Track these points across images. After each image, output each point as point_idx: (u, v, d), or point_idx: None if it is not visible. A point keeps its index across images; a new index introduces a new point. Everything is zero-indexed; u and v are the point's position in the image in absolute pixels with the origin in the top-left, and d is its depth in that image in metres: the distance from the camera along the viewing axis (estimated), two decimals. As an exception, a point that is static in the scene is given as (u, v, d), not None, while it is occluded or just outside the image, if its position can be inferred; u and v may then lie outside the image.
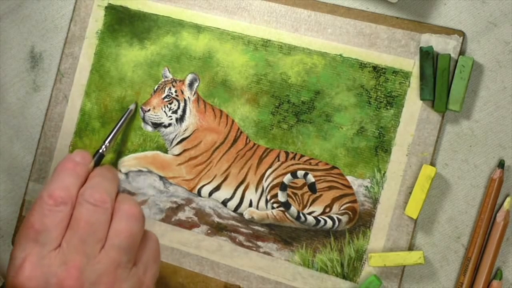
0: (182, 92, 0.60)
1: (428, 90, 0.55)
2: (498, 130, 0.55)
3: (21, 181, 0.64)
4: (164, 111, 0.61)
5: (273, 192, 0.58)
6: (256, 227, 0.58)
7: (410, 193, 0.55)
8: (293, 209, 0.57)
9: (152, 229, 0.60)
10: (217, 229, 0.59)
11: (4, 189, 0.64)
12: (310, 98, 0.58)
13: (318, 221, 0.57)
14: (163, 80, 0.61)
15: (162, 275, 0.60)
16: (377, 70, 0.57)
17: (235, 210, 0.59)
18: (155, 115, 0.61)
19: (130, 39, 0.62)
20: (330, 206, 0.57)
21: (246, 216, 0.59)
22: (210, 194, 0.60)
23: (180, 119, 0.60)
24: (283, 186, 0.58)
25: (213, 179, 0.60)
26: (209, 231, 0.59)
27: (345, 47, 0.57)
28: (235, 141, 0.59)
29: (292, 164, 0.58)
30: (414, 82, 0.56)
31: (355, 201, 0.57)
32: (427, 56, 0.55)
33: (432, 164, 0.56)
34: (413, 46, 0.56)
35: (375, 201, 0.56)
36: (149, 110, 0.61)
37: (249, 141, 0.59)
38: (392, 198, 0.56)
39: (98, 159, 0.57)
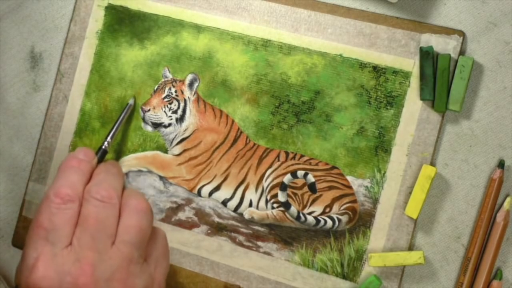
0: (182, 92, 0.60)
1: (428, 90, 0.55)
2: (498, 130, 0.55)
3: (21, 181, 0.64)
4: (164, 111, 0.61)
5: (273, 192, 0.58)
6: (256, 227, 0.58)
7: (410, 193, 0.55)
8: (293, 209, 0.58)
9: (152, 229, 0.60)
10: (217, 229, 0.59)
11: (4, 189, 0.64)
12: (310, 98, 0.58)
13: (318, 221, 0.57)
14: (163, 80, 0.61)
15: (162, 275, 0.60)
16: (377, 70, 0.57)
17: (235, 210, 0.59)
18: (155, 115, 0.61)
19: (130, 39, 0.62)
20: (330, 206, 0.57)
21: (246, 216, 0.59)
22: (210, 194, 0.60)
23: (180, 119, 0.60)
24: (283, 186, 0.58)
25: (213, 179, 0.60)
26: (209, 231, 0.59)
27: (345, 47, 0.57)
28: (235, 141, 0.59)
29: (292, 164, 0.58)
30: (414, 82, 0.56)
31: (355, 201, 0.57)
32: (427, 56, 0.55)
33: (432, 164, 0.56)
34: (413, 46, 0.56)
35: (375, 201, 0.56)
36: (149, 110, 0.61)
37: (249, 141, 0.59)
38: (392, 198, 0.56)
39: (102, 156, 0.57)
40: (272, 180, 0.58)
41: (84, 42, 0.63)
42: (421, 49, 0.55)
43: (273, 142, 0.58)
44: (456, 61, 0.55)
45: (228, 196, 0.59)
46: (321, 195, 0.57)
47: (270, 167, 0.58)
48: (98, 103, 0.62)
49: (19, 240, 0.63)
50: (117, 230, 0.48)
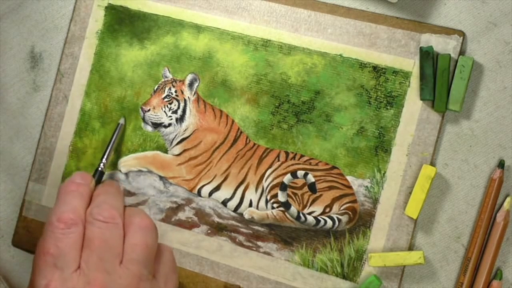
0: (182, 92, 0.60)
1: (428, 90, 0.55)
2: (498, 130, 0.55)
3: (21, 181, 0.64)
4: (164, 111, 0.61)
5: (273, 192, 0.58)
6: (256, 227, 0.58)
7: (410, 193, 0.55)
8: (293, 209, 0.58)
9: (152, 229, 0.60)
10: (217, 229, 0.59)
11: (4, 189, 0.64)
12: (310, 98, 0.58)
13: (318, 221, 0.57)
14: (163, 80, 0.61)
15: (162, 275, 0.60)
16: (377, 70, 0.57)
17: (235, 210, 0.59)
18: (155, 115, 0.61)
19: (130, 39, 0.62)
20: (330, 206, 0.57)
21: (246, 216, 0.59)
22: (210, 194, 0.60)
23: (180, 119, 0.60)
24: (283, 186, 0.58)
25: (213, 179, 0.60)
26: (209, 231, 0.59)
27: (345, 47, 0.57)
28: (235, 141, 0.59)
29: (292, 164, 0.58)
30: (414, 82, 0.56)
31: (355, 201, 0.57)
32: (427, 56, 0.55)
33: (432, 164, 0.56)
34: (413, 46, 0.56)
35: (375, 201, 0.56)
36: (149, 110, 0.61)
37: (249, 141, 0.59)
38: (392, 198, 0.56)
39: (99, 177, 0.57)
40: (272, 180, 0.58)
41: (84, 42, 0.63)
42: (421, 49, 0.55)
43: (273, 142, 0.58)
44: (456, 61, 0.55)
45: (228, 196, 0.59)
46: (321, 195, 0.57)
47: (270, 167, 0.58)
48: (98, 103, 0.62)
49: (19, 240, 0.63)
50: (123, 249, 0.48)
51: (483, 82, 0.55)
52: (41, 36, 0.64)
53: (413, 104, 0.56)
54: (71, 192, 0.50)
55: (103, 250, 0.48)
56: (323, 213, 0.57)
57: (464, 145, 0.56)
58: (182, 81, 0.60)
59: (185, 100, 0.60)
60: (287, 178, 0.58)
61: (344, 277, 0.56)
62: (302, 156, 0.58)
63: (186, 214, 0.60)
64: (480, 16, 0.56)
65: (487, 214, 0.54)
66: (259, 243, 0.58)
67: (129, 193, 0.61)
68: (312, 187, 0.57)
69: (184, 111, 0.60)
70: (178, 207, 0.60)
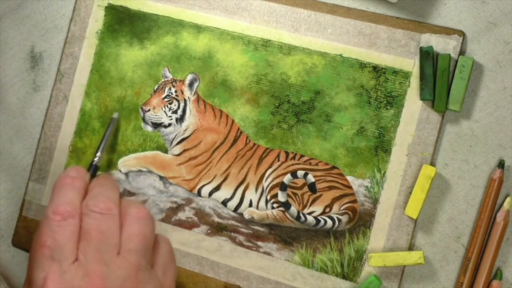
0: (182, 92, 0.60)
1: (428, 90, 0.55)
2: (498, 130, 0.55)
3: (21, 181, 0.64)
4: (164, 111, 0.61)
5: (273, 192, 0.58)
6: (256, 227, 0.58)
7: (410, 193, 0.55)
8: (293, 209, 0.58)
9: (152, 229, 0.60)
10: (217, 229, 0.59)
11: (4, 189, 0.64)
12: (310, 98, 0.58)
13: (318, 221, 0.57)
14: (163, 80, 0.61)
15: (162, 275, 0.60)
16: (377, 70, 0.57)
17: (235, 210, 0.59)
18: (155, 115, 0.61)
19: (130, 39, 0.62)
20: (330, 206, 0.57)
21: (246, 216, 0.59)
22: (210, 194, 0.60)
23: (180, 119, 0.60)
24: (283, 186, 0.58)
25: (213, 179, 0.60)
26: (209, 231, 0.59)
27: (345, 47, 0.57)
28: (235, 141, 0.59)
29: (292, 164, 0.58)
30: (414, 82, 0.56)
31: (355, 201, 0.57)
32: (427, 56, 0.55)
33: (432, 164, 0.56)
34: (413, 46, 0.56)
35: (375, 201, 0.56)
36: (149, 110, 0.61)
37: (249, 141, 0.59)
38: (392, 198, 0.56)
39: (94, 171, 0.58)
40: (272, 180, 0.58)
41: (84, 42, 0.63)
42: (421, 49, 0.55)
43: (273, 142, 0.58)
44: (456, 61, 0.55)
45: (228, 196, 0.59)
46: (321, 195, 0.57)
47: (270, 167, 0.58)
48: (98, 103, 0.62)
49: (19, 240, 0.63)
50: (121, 240, 0.48)
51: (483, 82, 0.55)
52: (41, 36, 0.64)
53: (413, 104, 0.56)
54: (66, 185, 0.50)
55: (101, 241, 0.47)
56: (323, 213, 0.57)
57: (464, 145, 0.56)
58: (182, 81, 0.60)
59: (185, 100, 0.60)
60: (287, 178, 0.58)
61: (344, 277, 0.56)
62: (302, 156, 0.58)
63: (186, 214, 0.60)
64: (480, 16, 0.56)
65: (487, 214, 0.54)
66: (259, 243, 0.58)
67: (129, 193, 0.61)
68: (312, 187, 0.57)
69: (184, 111, 0.60)
70: (178, 207, 0.60)
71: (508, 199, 0.54)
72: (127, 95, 0.62)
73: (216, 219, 0.59)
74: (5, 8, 0.65)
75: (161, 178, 0.61)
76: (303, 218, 0.57)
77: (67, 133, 0.63)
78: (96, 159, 0.58)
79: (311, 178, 0.57)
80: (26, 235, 0.62)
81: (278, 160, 0.58)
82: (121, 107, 0.62)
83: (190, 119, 0.60)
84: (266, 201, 0.58)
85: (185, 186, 0.60)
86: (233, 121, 0.59)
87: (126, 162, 0.61)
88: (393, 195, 0.56)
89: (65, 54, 0.63)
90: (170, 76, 0.61)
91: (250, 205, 0.59)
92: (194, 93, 0.60)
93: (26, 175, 0.64)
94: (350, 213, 0.57)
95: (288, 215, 0.58)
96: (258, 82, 0.59)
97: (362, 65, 0.57)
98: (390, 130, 0.56)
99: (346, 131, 0.57)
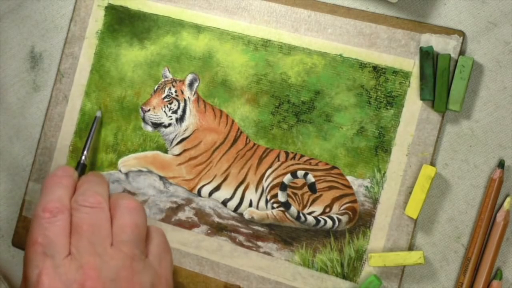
0: (182, 92, 0.60)
1: (428, 90, 0.55)
2: (498, 130, 0.55)
3: (21, 181, 0.64)
4: (164, 111, 0.61)
5: (273, 192, 0.58)
6: (256, 227, 0.58)
7: (410, 193, 0.55)
8: (293, 209, 0.58)
9: (152, 229, 0.60)
10: (217, 229, 0.59)
11: (4, 189, 0.64)
12: (310, 98, 0.58)
13: (318, 221, 0.57)
14: (163, 80, 0.61)
15: (162, 275, 0.60)
16: (377, 70, 0.57)
17: (235, 210, 0.59)
18: (155, 115, 0.61)
19: (130, 39, 0.62)
20: (330, 206, 0.57)
21: (246, 216, 0.59)
22: (210, 194, 0.60)
23: (180, 119, 0.60)
24: (283, 186, 0.58)
25: (213, 179, 0.60)
26: (209, 231, 0.59)
27: (345, 47, 0.57)
28: (235, 141, 0.59)
29: (292, 164, 0.58)
30: (414, 82, 0.56)
31: (355, 201, 0.57)
32: (427, 56, 0.55)
33: (432, 164, 0.56)
34: (413, 46, 0.56)
35: (375, 201, 0.56)
36: (149, 110, 0.61)
37: (249, 141, 0.59)
38: (392, 198, 0.56)
39: (81, 170, 0.58)
40: (272, 180, 0.58)
41: (84, 42, 0.63)
42: (421, 49, 0.55)
43: (273, 142, 0.58)
44: (456, 61, 0.55)
45: (228, 196, 0.59)
46: (321, 195, 0.57)
47: (270, 167, 0.58)
48: (98, 103, 0.62)
49: (19, 240, 0.63)
50: (113, 231, 0.48)
51: (483, 82, 0.55)
52: (41, 36, 0.64)
53: (413, 104, 0.56)
54: (54, 184, 0.51)
55: (92, 233, 0.48)
56: (323, 213, 0.57)
57: (464, 145, 0.56)
58: (182, 81, 0.60)
59: (185, 100, 0.60)
60: (287, 178, 0.58)
61: (344, 277, 0.56)
62: (302, 156, 0.58)
63: (186, 214, 0.60)
64: (480, 16, 0.56)
65: (487, 214, 0.54)
66: (259, 243, 0.58)
67: (129, 193, 0.61)
68: (312, 187, 0.57)
69: (184, 111, 0.60)
70: (178, 207, 0.60)
71: (508, 199, 0.54)
72: (127, 95, 0.62)
73: (216, 219, 0.59)
74: (5, 8, 0.65)
75: (161, 178, 0.61)
76: (303, 218, 0.57)
77: (67, 133, 0.63)
78: (83, 157, 0.59)
79: (311, 178, 0.57)
80: (26, 235, 0.62)
81: (278, 160, 0.58)
82: (121, 107, 0.62)
83: (190, 119, 0.60)
84: (266, 201, 0.58)
85: (185, 186, 0.60)
86: (233, 121, 0.59)
87: (126, 162, 0.61)
88: (393, 195, 0.56)
89: (65, 54, 0.63)
90: (170, 76, 0.61)
91: (250, 205, 0.59)
92: (194, 93, 0.60)
93: (26, 175, 0.64)
94: (350, 213, 0.57)
95: (288, 215, 0.58)
96: (258, 82, 0.59)
97: (362, 65, 0.57)
98: (390, 130, 0.56)
99: (346, 131, 0.57)
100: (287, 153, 0.58)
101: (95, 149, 0.62)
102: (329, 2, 0.58)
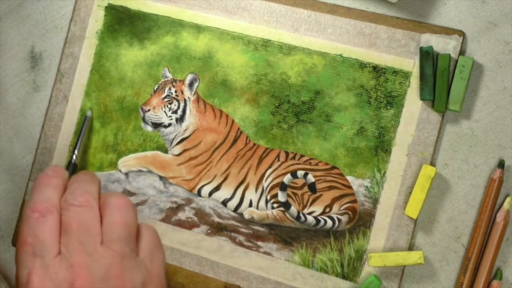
0: (182, 92, 0.60)
1: (428, 90, 0.55)
2: (498, 130, 0.55)
3: (21, 181, 0.64)
4: (164, 111, 0.61)
5: (273, 192, 0.58)
6: (256, 227, 0.58)
7: (410, 193, 0.55)
8: (293, 209, 0.58)
9: (152, 229, 0.60)
10: (217, 229, 0.59)
11: (4, 189, 0.64)
12: (310, 98, 0.58)
13: (318, 221, 0.57)
14: (163, 80, 0.61)
15: (162, 275, 0.60)
16: (377, 70, 0.57)
17: (235, 210, 0.59)
18: (155, 115, 0.61)
19: (130, 39, 0.62)
20: (330, 206, 0.57)
21: (246, 216, 0.59)
22: (210, 194, 0.60)
23: (180, 119, 0.60)
24: (283, 186, 0.58)
25: (213, 179, 0.60)
26: (209, 231, 0.59)
27: (345, 47, 0.57)
28: (235, 141, 0.59)
29: (292, 164, 0.58)
30: (414, 82, 0.56)
31: (355, 201, 0.57)
32: (427, 56, 0.55)
33: (432, 164, 0.56)
34: (413, 46, 0.56)
35: (375, 201, 0.56)
36: (149, 110, 0.61)
37: (249, 141, 0.59)
38: (392, 198, 0.56)
39: (72, 170, 0.59)
40: (272, 180, 0.58)
41: (84, 42, 0.63)
42: (421, 49, 0.55)
43: (273, 142, 0.58)
44: (456, 61, 0.55)
45: (228, 196, 0.59)
46: (321, 195, 0.57)
47: (270, 167, 0.58)
48: (98, 103, 0.62)
49: (19, 240, 0.63)
50: (102, 230, 0.48)
51: (483, 82, 0.55)
52: (41, 36, 0.64)
53: (413, 104, 0.56)
54: (44, 184, 0.50)
55: (82, 232, 0.47)
56: (323, 213, 0.57)
57: (464, 145, 0.56)
58: (182, 81, 0.60)
59: (185, 100, 0.60)
60: (287, 178, 0.58)
61: (344, 277, 0.56)
62: (302, 156, 0.58)
63: (186, 214, 0.60)
64: (480, 16, 0.56)
65: (487, 214, 0.54)
66: (259, 243, 0.58)
67: (129, 193, 0.61)
68: (312, 187, 0.57)
69: (184, 111, 0.60)
70: (178, 207, 0.60)
71: (508, 199, 0.54)
72: (127, 95, 0.62)
73: (216, 219, 0.59)
74: (5, 8, 0.65)
75: (161, 178, 0.61)
76: (303, 218, 0.57)
77: (67, 133, 0.63)
78: (73, 157, 0.59)
79: (311, 178, 0.57)
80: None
81: (278, 160, 0.58)
82: (121, 107, 0.62)
83: (190, 119, 0.60)
84: (266, 201, 0.58)
85: (185, 186, 0.60)
86: (233, 121, 0.59)
87: (126, 162, 0.61)
88: (393, 195, 0.56)
89: (65, 54, 0.63)
90: (170, 76, 0.61)
91: (250, 205, 0.59)
92: (194, 93, 0.60)
93: (26, 175, 0.64)
94: (350, 213, 0.57)
95: (288, 215, 0.58)
96: (258, 82, 0.59)
97: (362, 65, 0.57)
98: (390, 130, 0.56)
99: (346, 131, 0.57)
100: (287, 153, 0.58)
101: (94, 148, 0.62)
102: (329, 2, 0.58)
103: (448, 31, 0.55)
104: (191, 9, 0.61)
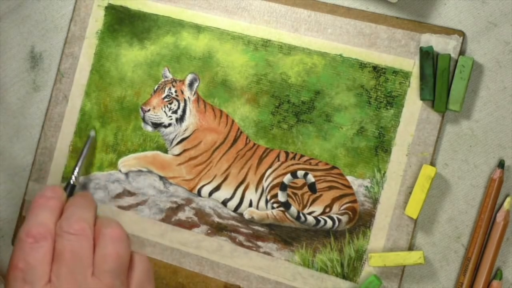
0: (182, 92, 0.60)
1: (428, 90, 0.55)
2: (498, 130, 0.55)
3: (21, 181, 0.64)
4: (164, 111, 0.61)
5: (273, 192, 0.58)
6: (256, 227, 0.58)
7: (410, 193, 0.55)
8: (293, 209, 0.58)
9: (152, 229, 0.60)
10: (217, 229, 0.59)
11: (4, 189, 0.64)
12: (310, 98, 0.58)
13: (318, 221, 0.57)
14: (163, 80, 0.61)
15: (162, 275, 0.60)
16: (377, 70, 0.57)
17: (235, 210, 0.59)
18: (155, 115, 0.61)
19: (130, 39, 0.62)
20: (330, 206, 0.57)
21: (246, 216, 0.59)
22: (210, 194, 0.60)
23: (180, 119, 0.60)
24: (283, 186, 0.58)
25: (213, 179, 0.60)
26: (209, 231, 0.59)
27: (345, 47, 0.57)
28: (235, 141, 0.59)
29: (292, 164, 0.58)
30: (414, 82, 0.56)
31: (355, 201, 0.57)
32: (427, 56, 0.55)
33: (432, 164, 0.56)
34: (413, 46, 0.56)
35: (375, 201, 0.56)
36: (149, 110, 0.61)
37: (249, 141, 0.59)
38: (392, 198, 0.56)
39: (70, 190, 0.58)
40: (272, 180, 0.58)
41: (84, 42, 0.63)
42: (421, 49, 0.55)
43: (273, 142, 0.58)
44: (456, 61, 0.55)
45: (228, 196, 0.59)
46: (321, 195, 0.57)
47: (270, 167, 0.58)
48: (98, 103, 0.62)
49: (19, 240, 0.63)
50: (94, 260, 0.48)
51: (483, 82, 0.55)
52: (41, 36, 0.64)
53: (413, 104, 0.56)
54: (41, 206, 0.50)
55: (73, 262, 0.47)
56: (323, 213, 0.57)
57: (464, 145, 0.56)
58: (182, 81, 0.60)
59: (185, 100, 0.60)
60: (287, 178, 0.58)
61: (344, 277, 0.56)
62: (302, 156, 0.58)
63: (186, 214, 0.60)
64: (480, 16, 0.56)
65: (487, 214, 0.54)
66: (259, 243, 0.58)
67: (129, 193, 0.61)
68: (312, 187, 0.57)
69: (184, 111, 0.60)
70: (178, 207, 0.60)
71: (508, 199, 0.54)
72: (127, 95, 0.62)
73: (216, 219, 0.59)
74: (5, 8, 0.65)
75: (161, 178, 0.61)
76: (303, 218, 0.57)
77: (67, 133, 0.63)
78: (73, 178, 0.59)
79: (311, 178, 0.57)
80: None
81: (278, 160, 0.58)
82: (121, 107, 0.62)
83: (190, 119, 0.60)
84: (266, 201, 0.58)
85: (185, 186, 0.60)
86: (233, 121, 0.59)
87: (126, 162, 0.61)
88: (393, 195, 0.56)
89: (65, 54, 0.63)
90: (170, 76, 0.61)
91: (250, 205, 0.59)
92: (194, 93, 0.60)
93: (26, 175, 0.64)
94: (350, 213, 0.57)
95: (288, 215, 0.58)
96: (258, 82, 0.59)
97: (362, 65, 0.57)
98: (390, 130, 0.56)
99: (346, 131, 0.57)
100: (287, 153, 0.58)
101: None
102: (329, 2, 0.58)
103: (448, 31, 0.55)
104: (191, 9, 0.61)
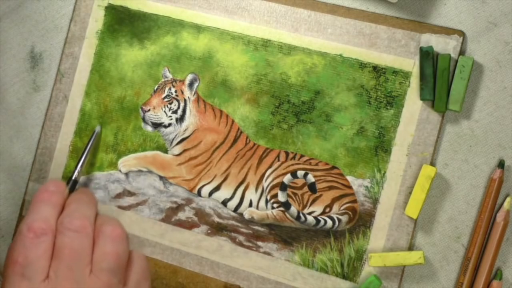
0: (182, 92, 0.60)
1: (428, 90, 0.55)
2: (498, 130, 0.55)
3: (21, 181, 0.64)
4: (164, 111, 0.61)
5: (273, 192, 0.58)
6: (256, 227, 0.58)
7: (410, 193, 0.55)
8: (293, 209, 0.58)
9: (152, 229, 0.60)
10: (217, 229, 0.59)
11: (4, 189, 0.64)
12: (310, 98, 0.58)
13: (318, 221, 0.57)
14: (163, 80, 0.61)
15: (162, 275, 0.60)
16: (377, 70, 0.57)
17: (235, 210, 0.59)
18: (155, 115, 0.61)
19: (130, 39, 0.62)
20: (330, 206, 0.57)
21: (246, 216, 0.59)
22: (210, 194, 0.60)
23: (180, 119, 0.60)
24: (283, 186, 0.58)
25: (213, 179, 0.60)
26: (209, 231, 0.59)
27: (345, 47, 0.57)
28: (235, 141, 0.59)
29: (292, 164, 0.58)
30: (414, 82, 0.56)
31: (355, 201, 0.57)
32: (427, 56, 0.55)
33: (432, 164, 0.56)
34: (413, 46, 0.56)
35: (375, 201, 0.56)
36: (149, 110, 0.61)
37: (249, 141, 0.59)
38: (392, 198, 0.56)
39: (72, 186, 0.58)
40: (272, 180, 0.58)
41: (84, 42, 0.63)
42: (421, 49, 0.55)
43: (273, 142, 0.58)
44: (456, 61, 0.55)
45: (228, 196, 0.59)
46: (321, 195, 0.57)
47: (270, 167, 0.58)
48: (98, 103, 0.62)
49: (19, 240, 0.63)
50: (93, 258, 0.48)
51: (483, 82, 0.55)
52: (41, 36, 0.64)
53: (413, 104, 0.56)
54: (43, 201, 0.50)
55: (73, 259, 0.47)
56: (323, 213, 0.57)
57: (464, 145, 0.56)
58: (182, 81, 0.60)
59: (185, 100, 0.60)
60: (287, 178, 0.58)
61: (344, 277, 0.56)
62: (302, 156, 0.58)
63: (186, 214, 0.60)
64: (480, 16, 0.56)
65: (487, 214, 0.54)
66: (259, 243, 0.58)
67: (129, 193, 0.61)
68: (312, 187, 0.57)
69: (184, 111, 0.60)
70: (178, 207, 0.60)
71: (508, 199, 0.54)
72: (127, 95, 0.62)
73: (216, 219, 0.59)
74: (5, 8, 0.65)
75: (161, 178, 0.61)
76: (303, 218, 0.57)
77: (67, 133, 0.63)
78: (76, 173, 0.59)
79: (311, 178, 0.57)
80: (26, 235, 0.62)
81: (278, 160, 0.58)
82: (121, 107, 0.62)
83: (190, 119, 0.60)
84: (266, 201, 0.58)
85: (185, 186, 0.60)
86: (233, 121, 0.59)
87: (126, 162, 0.61)
88: (393, 195, 0.56)
89: (65, 54, 0.63)
90: (170, 76, 0.61)
91: (250, 205, 0.59)
92: (194, 93, 0.60)
93: (26, 175, 0.64)
94: (350, 213, 0.57)
95: (288, 215, 0.58)
96: (258, 82, 0.59)
97: (362, 65, 0.57)
98: (390, 130, 0.56)
99: (346, 131, 0.57)
100: (287, 153, 0.58)
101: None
102: (329, 2, 0.58)
103: (448, 31, 0.55)
104: (191, 9, 0.61)
